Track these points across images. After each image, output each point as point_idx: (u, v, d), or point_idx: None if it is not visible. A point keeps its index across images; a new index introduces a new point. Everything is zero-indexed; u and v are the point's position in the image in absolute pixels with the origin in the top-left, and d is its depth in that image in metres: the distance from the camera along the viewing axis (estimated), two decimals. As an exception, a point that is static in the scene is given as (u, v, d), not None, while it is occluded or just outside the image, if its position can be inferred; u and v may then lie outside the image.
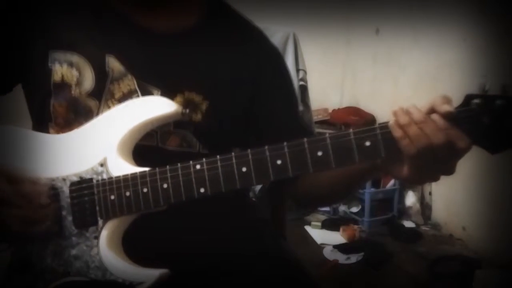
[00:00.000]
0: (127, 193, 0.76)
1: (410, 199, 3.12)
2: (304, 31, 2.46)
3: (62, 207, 0.79)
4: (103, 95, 0.84)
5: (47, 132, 0.87)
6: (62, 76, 0.84)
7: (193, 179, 0.73)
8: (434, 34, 2.94)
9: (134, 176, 0.76)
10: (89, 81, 0.84)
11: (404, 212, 3.14)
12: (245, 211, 1.00)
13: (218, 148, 0.75)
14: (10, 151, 0.82)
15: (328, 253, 2.62)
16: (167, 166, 0.75)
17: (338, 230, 2.91)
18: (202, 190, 0.73)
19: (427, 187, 3.13)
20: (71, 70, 0.84)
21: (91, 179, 0.78)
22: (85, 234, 0.78)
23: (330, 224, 2.99)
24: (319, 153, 0.69)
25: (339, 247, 2.65)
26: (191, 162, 0.74)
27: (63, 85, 0.84)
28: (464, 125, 0.64)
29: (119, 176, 0.77)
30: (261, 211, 1.14)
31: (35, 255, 0.80)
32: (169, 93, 0.83)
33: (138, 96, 0.84)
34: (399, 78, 3.32)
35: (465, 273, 2.26)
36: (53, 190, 0.79)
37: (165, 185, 0.74)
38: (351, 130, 0.68)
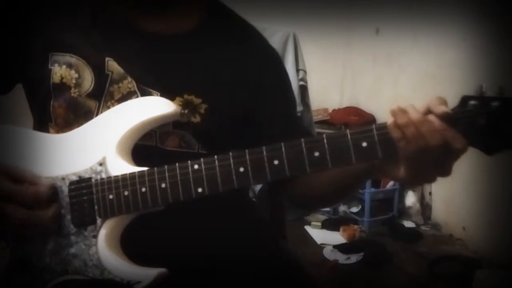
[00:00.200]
0: (126, 193, 0.76)
1: (410, 199, 3.13)
2: (304, 31, 2.47)
3: (61, 206, 0.79)
4: (103, 96, 0.85)
5: (48, 132, 0.87)
6: (61, 77, 0.84)
7: (191, 179, 0.73)
8: (434, 34, 2.94)
9: (132, 175, 0.76)
10: (88, 82, 0.84)
11: (404, 212, 3.14)
12: (245, 211, 1.00)
13: (217, 149, 0.75)
14: (10, 151, 0.82)
15: (328, 253, 2.62)
16: (165, 166, 0.75)
17: (338, 230, 2.91)
18: (199, 190, 0.73)
19: (427, 187, 3.14)
20: (70, 71, 0.84)
21: (90, 179, 0.79)
22: (83, 233, 0.78)
23: (330, 224, 2.99)
24: (316, 154, 0.69)
25: (339, 247, 2.65)
26: (189, 162, 0.74)
27: (63, 86, 0.84)
28: (460, 126, 0.64)
29: (117, 176, 0.77)
30: (261, 211, 1.14)
31: (34, 253, 0.80)
32: (168, 96, 0.83)
33: (137, 97, 0.84)
34: (399, 78, 3.32)
35: (465, 273, 2.27)
36: (53, 189, 0.79)
37: (163, 185, 0.74)
38: (348, 131, 0.68)
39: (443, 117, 0.64)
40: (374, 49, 3.59)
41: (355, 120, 3.42)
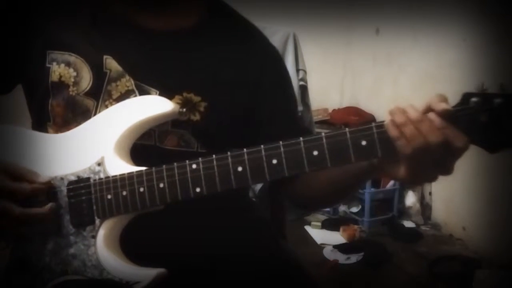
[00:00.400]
0: (124, 193, 0.76)
1: (410, 199, 3.12)
2: (304, 31, 2.46)
3: (60, 206, 0.79)
4: (101, 95, 0.84)
5: (46, 131, 0.87)
6: (60, 75, 0.84)
7: (189, 179, 0.73)
8: (434, 34, 2.94)
9: (130, 175, 0.76)
10: (86, 80, 0.84)
11: (404, 212, 3.13)
12: (244, 211, 1.00)
13: (217, 148, 0.75)
14: (9, 150, 0.82)
15: (328, 253, 2.62)
16: (163, 166, 0.74)
17: (338, 230, 2.91)
18: (198, 189, 0.73)
19: (427, 187, 3.13)
20: (68, 69, 0.84)
21: (88, 179, 0.78)
22: (82, 233, 0.78)
23: (330, 224, 2.99)
24: (315, 153, 0.68)
25: (339, 247, 2.65)
26: (187, 161, 0.74)
27: (61, 85, 0.84)
28: (461, 124, 0.63)
29: (115, 176, 0.77)
30: (261, 211, 1.14)
31: (33, 254, 0.80)
32: (167, 94, 0.83)
33: (135, 96, 0.84)
34: (399, 78, 3.32)
35: (465, 273, 2.26)
36: (51, 189, 0.79)
37: (161, 185, 0.74)
38: (347, 129, 0.68)
39: (444, 115, 0.63)
40: (374, 49, 3.58)
41: (355, 120, 3.42)
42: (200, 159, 0.73)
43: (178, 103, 0.84)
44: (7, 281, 0.83)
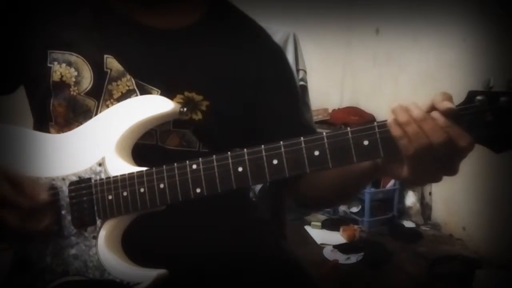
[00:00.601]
0: (124, 193, 0.76)
1: (410, 199, 3.12)
2: (304, 31, 2.46)
3: (62, 206, 0.79)
4: (102, 95, 0.84)
5: (48, 131, 0.87)
6: (61, 75, 0.84)
7: (189, 179, 0.73)
8: (434, 34, 2.94)
9: (131, 176, 0.76)
10: (87, 80, 0.84)
11: (404, 212, 3.13)
12: (245, 211, 1.00)
13: (218, 148, 0.75)
14: (10, 151, 0.82)
15: (328, 253, 2.62)
16: (164, 166, 0.74)
17: (338, 230, 2.91)
18: (198, 190, 0.72)
19: (427, 187, 3.13)
20: (69, 69, 0.84)
21: (89, 179, 0.78)
22: (84, 234, 0.78)
23: (330, 224, 2.99)
24: (316, 153, 0.67)
25: (339, 247, 2.65)
26: (187, 162, 0.73)
27: (62, 85, 0.84)
28: (466, 123, 0.61)
29: (116, 176, 0.77)
30: (261, 211, 1.14)
31: (35, 254, 0.80)
32: (168, 93, 0.83)
33: (136, 96, 0.84)
34: (399, 78, 3.32)
35: (465, 273, 2.26)
36: (53, 190, 0.79)
37: (161, 185, 0.74)
38: (348, 129, 0.66)
39: (448, 114, 0.61)
40: (374, 49, 3.58)
41: (355, 120, 3.42)
42: (200, 159, 0.73)
43: (179, 102, 0.83)
44: (9, 281, 0.83)
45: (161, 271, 0.74)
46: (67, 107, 0.85)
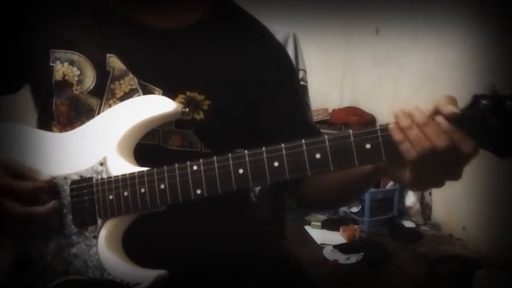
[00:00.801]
0: (125, 193, 0.76)
1: (410, 199, 3.12)
2: (304, 31, 2.46)
3: (63, 205, 0.79)
4: (104, 94, 0.84)
5: (51, 130, 0.87)
6: (63, 74, 0.84)
7: (190, 180, 0.72)
8: (434, 34, 2.94)
9: (132, 176, 0.76)
10: (90, 79, 0.84)
11: (404, 212, 3.13)
12: (245, 211, 1.00)
13: (221, 148, 0.75)
14: (13, 149, 0.82)
15: (328, 253, 2.62)
16: (165, 167, 0.74)
17: (338, 230, 2.91)
18: (198, 191, 0.72)
19: (427, 188, 3.13)
20: (72, 68, 0.84)
21: (91, 178, 0.78)
22: (84, 233, 0.78)
23: (330, 224, 2.99)
24: (318, 156, 0.66)
25: (339, 247, 2.65)
26: (188, 162, 0.73)
27: (65, 84, 0.84)
28: (470, 128, 0.60)
29: (117, 176, 0.77)
30: (261, 211, 1.14)
31: (36, 253, 0.80)
32: (170, 93, 0.83)
33: (139, 95, 0.84)
34: (399, 78, 3.32)
35: (465, 273, 2.26)
36: (55, 188, 0.79)
37: (162, 186, 0.74)
38: (350, 132, 0.65)
39: (451, 118, 0.60)
40: (374, 49, 3.58)
41: (355, 120, 3.42)
42: (201, 160, 0.72)
43: (181, 102, 0.83)
44: (10, 280, 0.83)
45: (161, 272, 0.74)
46: (70, 106, 0.85)
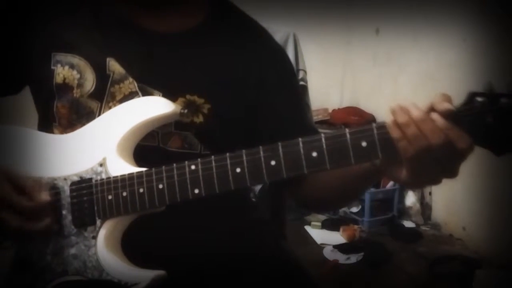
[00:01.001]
0: (124, 193, 0.76)
1: (410, 199, 3.12)
2: (304, 31, 2.47)
3: (63, 206, 0.79)
4: (105, 97, 0.85)
5: (52, 132, 0.88)
6: (64, 77, 0.84)
7: (188, 180, 0.73)
8: (434, 34, 2.93)
9: (130, 176, 0.76)
10: (90, 82, 0.84)
11: (404, 212, 3.13)
12: (245, 211, 1.00)
13: (220, 150, 0.75)
14: (13, 151, 0.83)
15: (328, 253, 2.62)
16: (163, 167, 0.74)
17: (338, 230, 2.90)
18: (196, 191, 0.72)
19: (427, 187, 3.13)
20: (72, 71, 0.84)
21: (90, 179, 0.79)
22: (83, 234, 0.78)
23: (330, 224, 2.99)
24: (314, 154, 0.67)
25: (339, 247, 2.65)
26: (186, 162, 0.73)
27: (65, 87, 0.85)
28: (466, 125, 0.60)
29: (116, 176, 0.77)
30: (261, 211, 1.14)
31: (35, 253, 0.80)
32: (170, 96, 0.83)
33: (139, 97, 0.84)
34: (399, 78, 3.32)
35: (465, 273, 2.26)
36: (55, 190, 0.79)
37: (160, 186, 0.74)
38: (346, 130, 0.66)
39: (447, 115, 0.61)
40: (374, 49, 3.58)
41: (355, 120, 3.42)
42: (199, 160, 0.73)
43: (181, 105, 0.83)
44: (9, 280, 0.83)
45: (159, 272, 0.74)
46: (70, 109, 0.85)
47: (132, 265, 0.76)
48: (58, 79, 0.84)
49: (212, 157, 0.72)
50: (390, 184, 3.08)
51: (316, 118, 3.26)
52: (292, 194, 0.96)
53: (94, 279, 0.76)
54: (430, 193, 3.12)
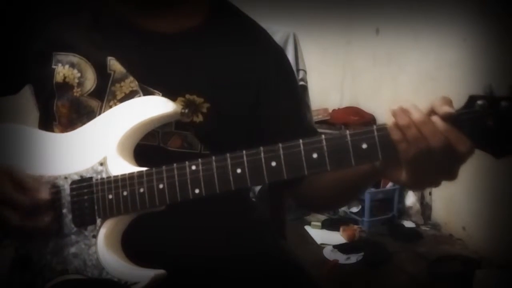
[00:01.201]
0: (124, 193, 0.76)
1: (410, 199, 3.12)
2: (304, 31, 2.46)
3: (63, 205, 0.79)
4: (105, 96, 0.85)
5: (52, 131, 0.88)
6: (64, 76, 0.84)
7: (188, 180, 0.73)
8: (434, 34, 2.94)
9: (131, 175, 0.76)
10: (90, 81, 0.84)
11: (404, 212, 3.13)
12: (245, 211, 1.00)
13: (220, 150, 0.75)
14: (14, 149, 0.83)
15: (328, 253, 2.62)
16: (163, 167, 0.74)
17: (338, 230, 2.91)
18: (197, 191, 0.72)
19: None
20: (72, 70, 0.84)
21: (91, 178, 0.79)
22: (84, 233, 0.78)
23: (330, 224, 2.99)
24: (314, 155, 0.67)
25: (339, 247, 2.65)
26: (186, 162, 0.73)
27: (66, 86, 0.85)
28: (466, 128, 0.60)
29: (117, 176, 0.77)
30: (261, 211, 1.14)
31: (35, 252, 0.80)
32: (170, 95, 0.83)
33: (140, 96, 0.84)
34: (399, 78, 3.32)
35: (465, 273, 2.26)
36: (55, 188, 0.79)
37: (160, 186, 0.74)
38: (347, 132, 0.66)
39: (447, 118, 0.61)
40: (374, 49, 3.58)
41: (355, 120, 3.42)
42: (199, 160, 0.73)
43: (181, 104, 0.84)
44: (9, 279, 0.83)
45: (159, 271, 0.75)
46: (71, 108, 0.85)
47: (132, 264, 0.76)
48: (58, 78, 0.84)
49: (213, 157, 0.72)
50: (390, 184, 3.08)
51: (316, 118, 3.26)
52: (291, 194, 0.97)
53: (94, 278, 0.76)
54: (430, 193, 3.12)
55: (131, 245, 0.78)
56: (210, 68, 0.88)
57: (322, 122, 3.40)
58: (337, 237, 2.84)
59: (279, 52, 0.99)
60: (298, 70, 2.20)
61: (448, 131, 0.61)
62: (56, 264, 0.79)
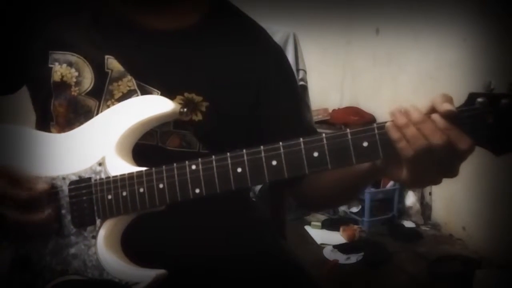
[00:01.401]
0: (124, 193, 0.76)
1: (410, 199, 3.12)
2: (304, 31, 2.46)
3: (62, 206, 0.79)
4: (103, 95, 0.84)
5: (49, 131, 0.87)
6: (62, 75, 0.84)
7: (188, 180, 0.72)
8: (434, 34, 2.94)
9: (130, 175, 0.76)
10: (88, 80, 0.84)
11: (404, 212, 3.14)
12: (245, 211, 1.00)
13: (218, 149, 0.75)
14: (12, 150, 0.82)
15: (328, 253, 2.62)
16: (163, 166, 0.74)
17: (338, 230, 2.91)
18: (197, 190, 0.72)
19: (427, 187, 3.13)
20: (70, 69, 0.84)
21: (89, 179, 0.78)
22: (83, 234, 0.78)
23: (330, 224, 2.99)
24: (315, 154, 0.67)
25: (339, 247, 2.65)
26: (186, 162, 0.73)
27: (63, 85, 0.84)
28: (466, 125, 0.60)
29: (116, 176, 0.77)
30: (261, 211, 1.14)
31: (34, 253, 0.80)
32: (168, 94, 0.83)
33: (137, 96, 0.84)
34: (399, 78, 3.32)
35: (465, 273, 2.26)
36: (53, 189, 0.79)
37: (160, 185, 0.74)
38: (348, 130, 0.66)
39: (447, 116, 0.61)
40: (374, 49, 3.58)
41: (355, 120, 3.42)
42: (199, 159, 0.73)
43: (179, 103, 0.83)
44: (9, 280, 0.82)
45: (160, 271, 0.74)
46: (68, 107, 0.85)
47: (133, 265, 0.76)
48: (56, 77, 0.84)
49: (213, 156, 0.72)
50: (390, 184, 3.08)
51: (316, 118, 3.26)
52: (292, 194, 0.97)
53: (95, 279, 0.76)
54: (430, 193, 3.12)
55: (131, 245, 0.78)
56: (210, 68, 0.88)
57: (322, 122, 3.40)
58: (337, 237, 2.84)
59: (279, 52, 0.99)
60: (298, 70, 2.20)
61: (448, 129, 0.61)
62: (55, 265, 0.79)
